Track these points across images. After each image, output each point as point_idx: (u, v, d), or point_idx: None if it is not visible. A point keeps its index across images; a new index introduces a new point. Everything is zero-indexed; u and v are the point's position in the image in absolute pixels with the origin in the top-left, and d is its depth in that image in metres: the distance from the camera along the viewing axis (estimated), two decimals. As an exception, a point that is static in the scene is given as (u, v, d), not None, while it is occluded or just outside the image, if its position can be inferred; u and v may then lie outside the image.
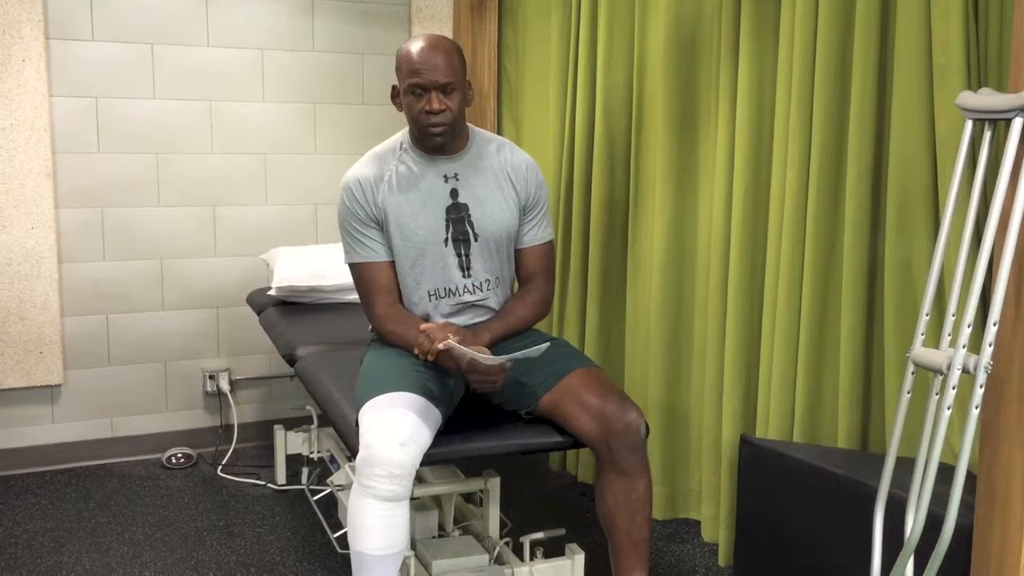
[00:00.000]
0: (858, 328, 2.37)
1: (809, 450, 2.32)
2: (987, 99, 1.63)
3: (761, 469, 2.35)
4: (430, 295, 2.28)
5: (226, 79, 3.63)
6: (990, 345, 1.56)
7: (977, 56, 2.05)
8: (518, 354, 2.04)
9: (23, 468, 3.49)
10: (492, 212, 2.28)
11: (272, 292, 3.33)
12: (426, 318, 2.28)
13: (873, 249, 2.36)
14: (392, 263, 2.29)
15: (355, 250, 2.29)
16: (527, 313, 2.33)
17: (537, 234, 2.37)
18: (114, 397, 3.61)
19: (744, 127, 2.61)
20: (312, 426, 3.24)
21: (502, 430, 2.19)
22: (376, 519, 1.97)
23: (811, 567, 2.19)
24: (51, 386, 3.52)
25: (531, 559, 2.35)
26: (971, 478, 1.76)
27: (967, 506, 1.69)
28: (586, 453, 3.29)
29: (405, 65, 2.17)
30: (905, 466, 1.82)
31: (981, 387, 1.57)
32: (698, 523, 2.99)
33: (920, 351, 1.70)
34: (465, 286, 2.29)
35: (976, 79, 2.06)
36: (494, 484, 2.48)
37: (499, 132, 3.80)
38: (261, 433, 3.76)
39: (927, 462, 1.64)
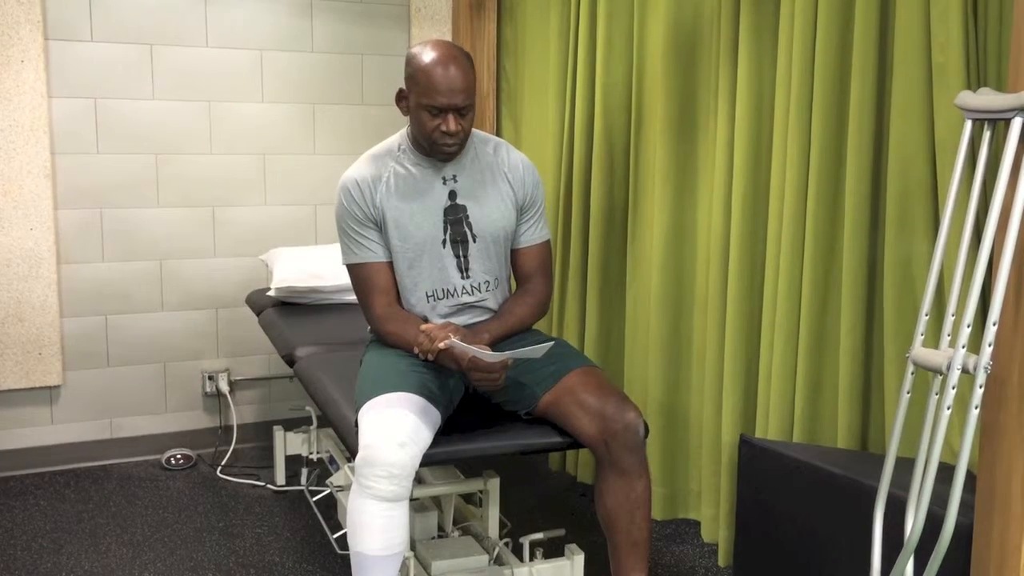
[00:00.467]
0: (858, 328, 2.36)
1: (809, 450, 2.32)
2: (986, 99, 1.63)
3: (761, 469, 2.35)
4: (428, 296, 2.28)
5: (225, 80, 3.63)
6: (990, 345, 1.56)
7: (976, 56, 2.05)
8: (519, 351, 2.04)
9: (22, 469, 3.49)
10: (490, 213, 2.28)
11: (271, 293, 3.32)
12: (424, 319, 2.28)
13: (872, 249, 2.36)
14: (390, 264, 2.29)
15: (353, 251, 2.29)
16: (525, 313, 2.33)
17: (534, 234, 2.37)
18: (113, 398, 3.61)
19: (743, 126, 2.61)
20: (311, 427, 3.24)
21: (501, 430, 2.19)
22: (376, 520, 1.97)
23: (811, 567, 2.19)
24: (50, 387, 3.52)
25: (531, 560, 2.35)
26: (971, 478, 1.76)
27: (967, 506, 1.69)
28: (586, 453, 3.29)
29: (423, 80, 2.13)
30: (905, 466, 1.82)
31: (981, 387, 1.57)
32: (698, 523, 2.99)
33: (920, 351, 1.70)
34: (463, 287, 2.29)
35: (975, 79, 2.06)
36: (493, 484, 2.48)
37: (498, 132, 3.80)
38: (260, 434, 3.75)
39: (927, 462, 1.64)
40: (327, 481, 2.91)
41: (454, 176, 2.27)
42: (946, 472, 1.66)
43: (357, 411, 2.11)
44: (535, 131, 3.56)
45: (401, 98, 2.24)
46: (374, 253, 2.27)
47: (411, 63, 2.17)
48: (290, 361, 2.85)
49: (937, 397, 1.66)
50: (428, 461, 2.05)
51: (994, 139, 1.71)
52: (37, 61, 3.32)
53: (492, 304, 2.34)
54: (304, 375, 2.68)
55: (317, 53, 3.76)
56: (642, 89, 2.99)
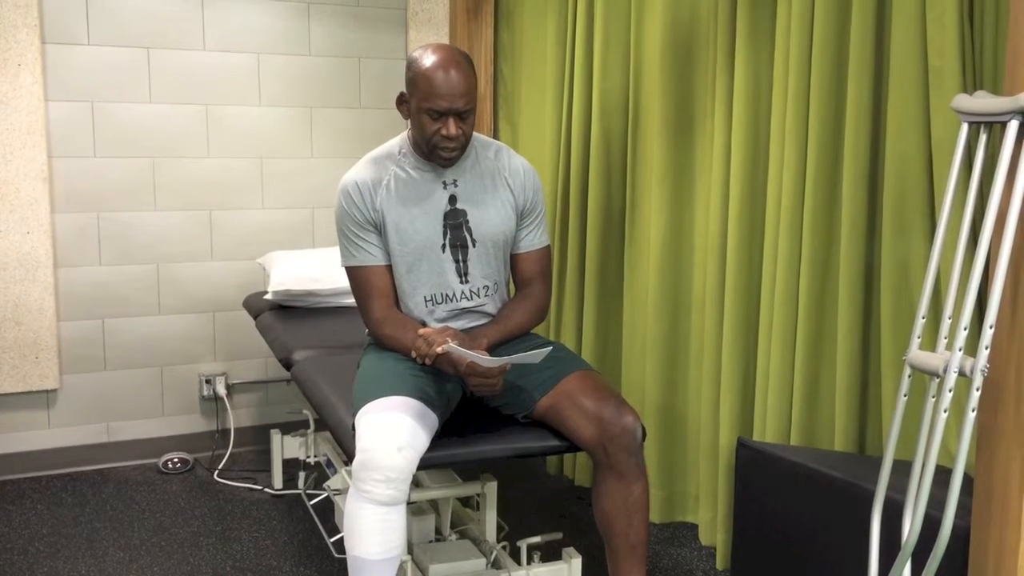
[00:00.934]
0: (855, 331, 2.37)
1: (806, 453, 2.33)
2: (983, 102, 1.64)
3: (758, 472, 2.35)
4: (426, 300, 2.28)
5: (223, 83, 3.63)
6: (986, 348, 1.57)
7: (972, 59, 2.06)
8: (517, 357, 2.04)
9: (19, 473, 3.48)
10: (490, 217, 2.28)
11: (269, 296, 3.32)
12: (422, 323, 2.28)
13: (869, 252, 2.36)
14: (389, 267, 2.28)
15: (352, 253, 2.29)
16: (524, 318, 2.33)
17: (534, 239, 2.36)
18: (110, 402, 3.61)
19: (740, 130, 2.62)
20: (309, 430, 3.23)
21: (499, 434, 2.19)
22: (373, 523, 1.97)
23: (809, 570, 2.19)
24: (47, 391, 3.51)
25: (528, 563, 2.35)
26: (968, 481, 1.76)
27: (964, 508, 1.69)
28: (583, 457, 3.29)
29: (424, 84, 2.13)
30: (902, 469, 1.82)
31: (978, 390, 1.57)
32: (696, 526, 2.99)
33: (916, 354, 1.70)
34: (462, 292, 2.29)
35: (972, 82, 2.06)
36: (491, 488, 2.48)
37: (495, 135, 3.81)
38: (258, 437, 3.75)
39: (924, 465, 1.64)
40: (324, 485, 2.90)
41: (454, 180, 2.27)
42: (943, 475, 1.66)
43: (354, 415, 2.10)
44: (532, 134, 3.56)
45: (402, 102, 2.24)
46: (373, 256, 2.27)
47: (412, 67, 2.17)
48: (287, 364, 2.84)
49: (934, 400, 1.66)
50: (425, 465, 2.04)
51: (990, 142, 1.71)
52: (34, 65, 3.32)
53: (491, 309, 2.34)
54: (301, 379, 2.67)
55: (314, 56, 3.76)
56: (639, 92, 2.99)
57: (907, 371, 1.74)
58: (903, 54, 2.18)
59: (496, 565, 2.36)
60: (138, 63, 3.50)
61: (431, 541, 2.49)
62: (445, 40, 3.88)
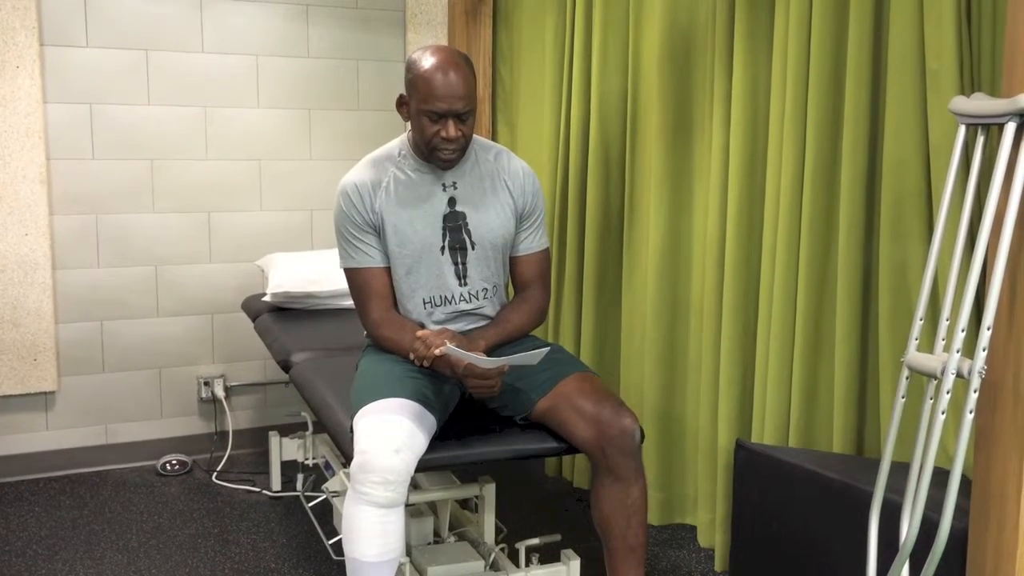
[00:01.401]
0: (853, 332, 2.37)
1: (804, 455, 2.33)
2: (980, 104, 1.64)
3: (757, 474, 2.35)
4: (425, 303, 2.28)
5: (221, 85, 3.63)
6: (984, 349, 1.57)
7: (970, 61, 2.06)
8: (515, 358, 2.04)
9: (17, 475, 3.48)
10: (489, 220, 2.28)
11: (267, 298, 3.32)
12: (420, 325, 2.28)
13: (867, 254, 2.36)
14: (387, 269, 2.29)
15: (351, 255, 2.29)
16: (523, 321, 2.33)
17: (533, 242, 2.37)
18: (109, 404, 3.61)
19: (738, 132, 2.62)
20: (307, 432, 3.23)
21: (497, 436, 2.19)
22: (371, 525, 1.97)
23: (807, 572, 2.19)
24: (45, 393, 3.51)
25: (527, 565, 2.35)
26: (966, 482, 1.76)
27: (962, 510, 1.69)
28: (582, 459, 3.29)
29: (423, 86, 2.13)
30: (900, 471, 1.82)
31: (975, 391, 1.57)
32: (694, 528, 2.99)
33: (914, 356, 1.70)
34: (461, 294, 2.29)
35: (969, 84, 2.06)
36: (489, 490, 2.48)
37: (494, 137, 3.81)
38: (256, 440, 3.75)
39: (922, 467, 1.64)
40: (323, 487, 2.90)
41: (454, 183, 2.27)
42: (941, 476, 1.66)
43: (353, 417, 2.10)
44: (531, 137, 3.56)
45: (402, 104, 2.24)
46: (372, 258, 2.27)
47: (411, 69, 2.17)
48: (286, 367, 2.84)
49: (932, 401, 1.66)
50: (424, 467, 2.04)
51: (988, 144, 1.72)
52: (33, 67, 3.32)
53: (489, 311, 2.34)
54: (300, 380, 2.67)
55: (313, 58, 3.76)
56: (637, 95, 3.00)
57: (905, 373, 1.74)
58: (901, 56, 2.18)
59: (495, 567, 2.36)
60: (137, 65, 3.50)
61: (429, 543, 2.49)
62: (444, 42, 3.88)
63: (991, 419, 1.65)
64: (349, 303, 3.11)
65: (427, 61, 2.13)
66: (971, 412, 1.57)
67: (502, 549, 2.42)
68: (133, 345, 3.61)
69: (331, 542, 2.72)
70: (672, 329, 2.95)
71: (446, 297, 2.28)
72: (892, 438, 1.77)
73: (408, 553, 2.37)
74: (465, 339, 2.18)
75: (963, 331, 1.59)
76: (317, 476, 3.22)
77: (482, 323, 2.32)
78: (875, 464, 2.06)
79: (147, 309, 3.62)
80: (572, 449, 2.18)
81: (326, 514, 3.00)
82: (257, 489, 3.38)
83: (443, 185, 2.26)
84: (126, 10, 3.47)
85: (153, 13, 3.50)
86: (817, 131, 2.40)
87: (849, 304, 2.36)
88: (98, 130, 3.48)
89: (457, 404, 2.25)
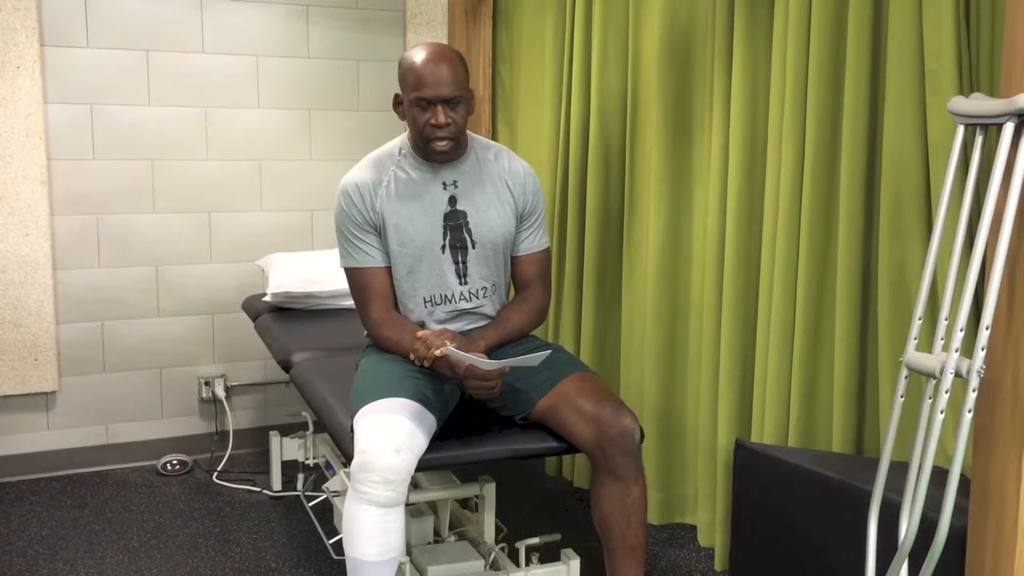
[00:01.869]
0: (852, 332, 2.37)
1: (804, 454, 2.33)
2: (979, 104, 1.64)
3: (756, 473, 2.35)
4: (426, 302, 2.29)
5: (221, 85, 3.63)
6: (983, 349, 1.57)
7: (969, 61, 2.06)
8: (516, 360, 2.04)
9: (18, 475, 3.48)
10: (490, 219, 2.28)
11: (268, 298, 3.33)
12: (421, 325, 2.28)
13: (866, 253, 2.36)
14: (388, 269, 2.29)
15: (351, 255, 2.29)
16: (523, 320, 2.33)
17: (534, 241, 2.37)
18: (109, 404, 3.61)
19: (738, 131, 2.62)
20: (307, 432, 3.24)
21: (498, 435, 2.19)
22: (371, 525, 1.97)
23: (807, 571, 2.20)
24: (46, 393, 3.52)
25: (527, 565, 2.35)
26: (965, 482, 1.76)
27: (961, 509, 1.69)
28: (582, 458, 3.30)
29: (410, 77, 2.16)
30: (899, 470, 1.83)
31: (974, 391, 1.58)
32: (694, 528, 2.99)
33: (913, 355, 1.71)
34: (461, 293, 2.29)
35: (968, 84, 2.07)
36: (489, 489, 2.48)
37: (494, 137, 3.81)
38: (256, 439, 3.75)
39: (921, 466, 1.64)
40: (323, 486, 2.91)
41: (454, 181, 2.27)
42: (940, 476, 1.67)
43: (353, 416, 2.11)
44: (531, 136, 3.56)
45: (398, 103, 2.26)
46: (372, 258, 2.28)
47: (401, 65, 2.21)
48: (286, 366, 2.85)
49: (931, 401, 1.66)
50: (424, 466, 2.05)
51: (986, 144, 1.72)
52: (33, 67, 3.32)
53: (489, 310, 2.34)
54: (300, 380, 2.68)
55: (313, 59, 3.76)
56: (637, 94, 3.00)
57: (904, 372, 1.74)
58: (900, 56, 2.19)
59: (495, 566, 2.36)
60: (137, 65, 3.51)
61: (430, 542, 2.49)
62: (444, 42, 3.87)
63: (990, 418, 1.65)
64: (349, 303, 3.11)
65: (414, 55, 2.18)
66: (970, 411, 1.57)
67: (502, 548, 2.42)
68: (134, 345, 3.62)
69: (331, 542, 2.73)
70: (672, 328, 2.96)
71: (446, 296, 2.28)
72: (891, 437, 1.78)
73: (408, 552, 2.37)
74: (465, 339, 2.19)
75: (962, 330, 1.59)
76: (317, 476, 3.23)
77: (482, 322, 2.32)
78: (874, 463, 2.06)
79: (148, 309, 3.63)
80: (572, 449, 2.18)
81: (326, 514, 3.01)
82: (258, 489, 3.38)
83: (443, 184, 2.27)
84: (126, 11, 3.47)
85: (153, 13, 3.51)
86: (816, 130, 2.40)
87: (848, 303, 2.36)
88: (99, 130, 3.49)
89: (457, 404, 2.26)
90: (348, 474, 2.09)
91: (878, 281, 2.30)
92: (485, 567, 2.34)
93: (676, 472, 3.03)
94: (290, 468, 3.35)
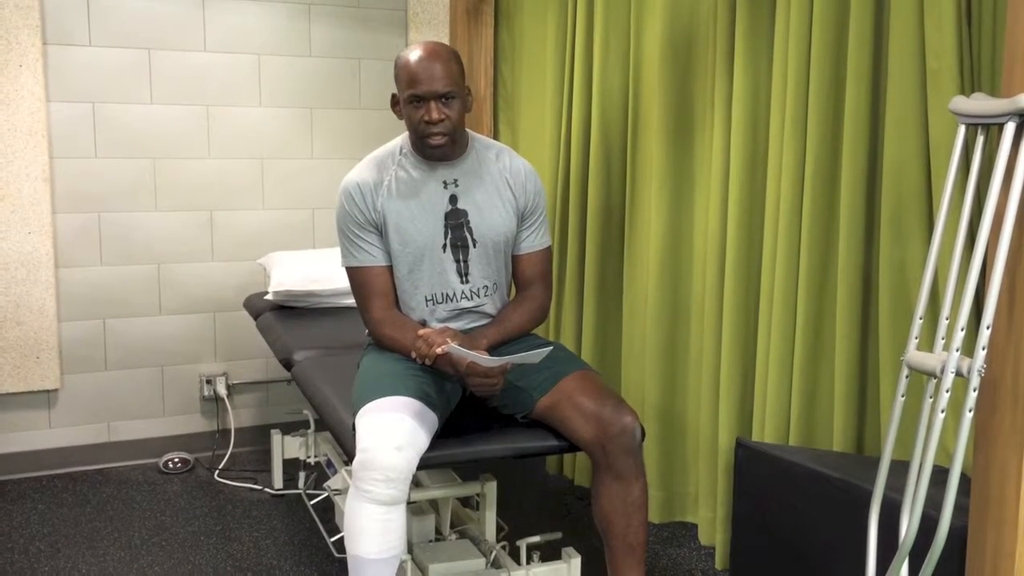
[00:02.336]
0: (853, 331, 2.37)
1: (805, 453, 2.33)
2: (980, 104, 1.64)
3: (757, 472, 2.36)
4: (427, 300, 2.29)
5: (223, 84, 3.63)
6: (983, 348, 1.57)
7: (970, 61, 2.07)
8: (517, 357, 2.05)
9: (20, 473, 3.49)
10: (491, 218, 2.28)
11: (269, 297, 3.33)
12: (423, 323, 2.29)
13: (868, 253, 2.37)
14: (389, 268, 2.29)
15: (353, 254, 2.30)
16: (524, 319, 2.34)
17: (535, 240, 2.37)
18: (111, 402, 3.61)
19: (739, 132, 2.62)
20: (309, 430, 3.24)
21: (499, 434, 2.20)
22: (373, 523, 1.98)
23: (807, 569, 2.20)
24: (48, 391, 3.52)
25: (528, 563, 2.35)
26: (965, 481, 1.77)
27: (961, 509, 1.69)
28: (583, 457, 3.30)
29: (404, 75, 2.17)
30: (900, 469, 1.83)
31: (975, 390, 1.58)
32: (695, 526, 2.99)
33: (914, 354, 1.71)
34: (463, 292, 2.29)
35: (969, 84, 2.07)
36: (491, 488, 2.48)
37: (495, 136, 3.81)
38: (258, 438, 3.76)
39: (921, 465, 1.65)
40: (324, 485, 2.91)
41: (455, 180, 2.28)
42: (940, 475, 1.67)
43: (354, 415, 2.11)
44: (532, 136, 3.57)
45: (395, 103, 2.26)
46: (373, 257, 2.28)
47: (396, 64, 2.22)
48: (288, 365, 2.85)
49: (931, 400, 1.67)
50: (425, 464, 2.05)
51: (987, 144, 1.72)
52: (35, 65, 3.33)
53: (491, 309, 2.34)
54: (302, 379, 2.68)
55: (315, 57, 3.77)
56: (639, 95, 3.00)
57: (905, 371, 1.74)
58: (901, 56, 2.19)
59: (496, 565, 2.36)
60: (139, 64, 3.51)
61: (431, 541, 2.49)
62: (445, 41, 3.88)
63: (990, 418, 1.66)
64: (351, 301, 3.10)
65: (409, 53, 2.19)
66: (970, 411, 1.58)
67: (503, 547, 2.43)
68: (135, 343, 3.62)
69: (333, 540, 2.73)
70: (673, 328, 2.96)
71: (448, 295, 2.29)
72: (892, 436, 1.78)
73: (409, 551, 2.38)
74: (467, 338, 2.19)
75: (963, 330, 1.60)
76: (319, 474, 3.23)
77: (483, 321, 2.33)
78: (875, 462, 2.07)
79: (149, 307, 3.63)
80: (573, 447, 2.18)
81: (328, 512, 3.01)
82: (259, 487, 3.38)
83: (444, 183, 2.27)
84: (128, 9, 3.48)
85: (155, 12, 3.51)
86: (818, 131, 2.40)
87: (849, 303, 2.37)
88: (101, 129, 3.49)
89: (458, 402, 2.26)
90: (349, 472, 2.10)
91: (879, 280, 2.30)
92: (486, 565, 2.34)
93: (677, 471, 3.03)
94: (291, 466, 3.35)
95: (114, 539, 2.97)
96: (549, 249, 2.41)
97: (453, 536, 2.50)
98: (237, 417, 3.76)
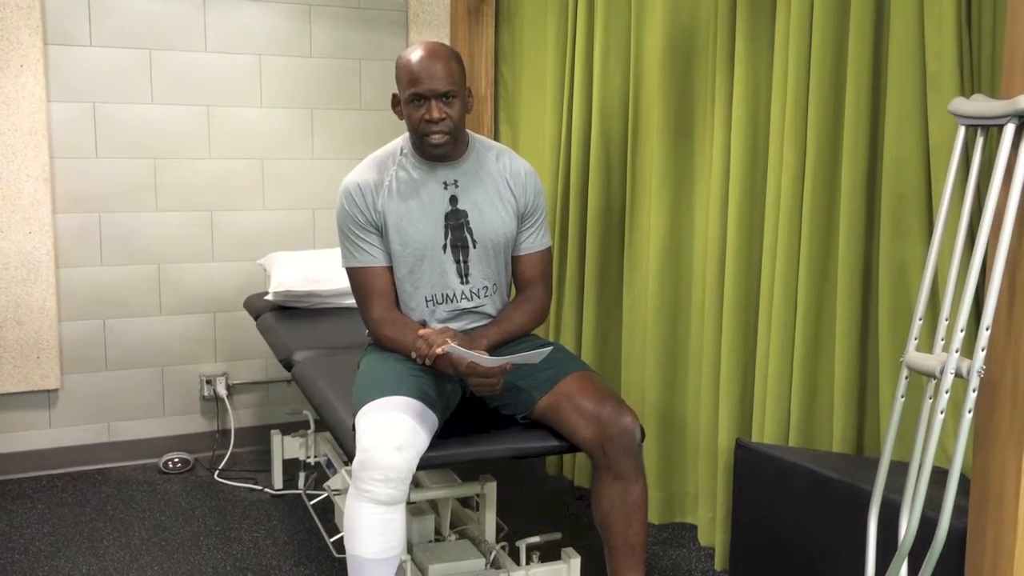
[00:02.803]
0: (853, 332, 2.38)
1: (804, 454, 2.33)
2: (979, 105, 1.65)
3: (757, 473, 2.36)
4: (427, 301, 2.29)
5: (224, 84, 3.64)
6: (983, 349, 1.57)
7: (970, 63, 2.07)
8: (517, 357, 2.05)
9: (20, 473, 3.49)
10: (491, 219, 2.29)
11: (269, 297, 3.33)
12: (423, 324, 2.29)
13: (867, 254, 2.37)
14: (389, 268, 2.30)
15: (353, 254, 2.30)
16: (524, 320, 2.34)
17: (535, 241, 2.37)
18: (111, 402, 3.62)
19: (740, 132, 2.63)
20: (309, 431, 3.24)
21: (499, 434, 2.20)
22: (372, 523, 1.98)
23: (807, 570, 2.20)
24: (48, 391, 3.52)
25: (527, 563, 2.36)
26: (964, 482, 1.77)
27: (961, 509, 1.70)
28: (583, 457, 3.30)
29: (405, 74, 2.18)
30: (899, 470, 1.83)
31: (974, 391, 1.58)
32: (695, 527, 2.99)
33: (913, 355, 1.71)
34: (463, 292, 2.30)
35: (969, 86, 2.07)
36: (490, 488, 2.48)
37: (496, 137, 3.81)
38: (258, 438, 3.76)
39: (921, 466, 1.65)
40: (324, 485, 2.91)
41: (455, 181, 2.28)
42: (940, 476, 1.67)
43: (354, 415, 2.11)
44: (533, 136, 3.57)
45: (396, 103, 2.26)
46: (374, 257, 2.28)
47: (397, 64, 2.23)
48: (288, 365, 2.85)
49: (931, 401, 1.67)
50: (425, 465, 2.05)
51: (987, 145, 1.72)
52: (36, 66, 3.33)
53: (491, 310, 2.34)
54: (302, 379, 2.68)
55: (316, 58, 3.77)
56: (639, 95, 3.00)
57: (904, 372, 1.75)
58: (901, 58, 2.19)
59: (495, 565, 2.36)
60: (140, 64, 3.51)
61: (430, 541, 2.50)
62: (445, 42, 3.88)
63: (990, 418, 1.66)
64: (351, 302, 3.11)
65: (409, 52, 2.20)
66: (970, 411, 1.58)
67: (503, 547, 2.43)
68: (135, 343, 3.62)
69: (332, 540, 2.73)
70: (673, 328, 2.96)
71: (448, 295, 2.29)
72: (891, 437, 1.78)
73: (409, 551, 2.38)
74: (467, 338, 2.19)
75: (962, 331, 1.60)
76: (319, 474, 3.23)
77: (483, 321, 2.33)
78: (874, 463, 2.07)
79: (150, 307, 3.63)
80: (573, 448, 2.19)
81: (327, 512, 3.01)
82: (259, 487, 3.38)
83: (444, 183, 2.27)
84: (129, 9, 3.48)
85: (156, 12, 3.51)
86: (818, 131, 2.41)
87: (849, 303, 2.37)
88: (101, 129, 3.49)
89: (458, 402, 2.26)
90: (349, 472, 2.10)
91: (879, 281, 2.30)
92: (486, 566, 2.35)
93: (677, 471, 3.04)
94: (291, 466, 3.36)
95: (114, 539, 2.98)
96: (549, 250, 2.41)
97: (453, 536, 2.50)
98: (237, 417, 3.77)
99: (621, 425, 2.09)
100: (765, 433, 2.58)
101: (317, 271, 3.34)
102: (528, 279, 2.39)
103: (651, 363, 2.98)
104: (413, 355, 2.14)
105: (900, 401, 1.77)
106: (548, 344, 2.23)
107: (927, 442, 1.64)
